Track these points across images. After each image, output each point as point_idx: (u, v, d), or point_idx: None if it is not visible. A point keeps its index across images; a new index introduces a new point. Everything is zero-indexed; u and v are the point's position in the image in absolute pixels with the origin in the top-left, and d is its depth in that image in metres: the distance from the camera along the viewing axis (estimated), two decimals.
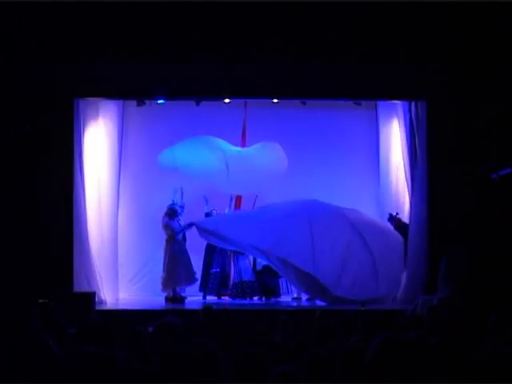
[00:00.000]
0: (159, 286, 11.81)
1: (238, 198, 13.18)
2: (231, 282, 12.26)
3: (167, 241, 11.88)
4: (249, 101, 13.03)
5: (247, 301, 11.98)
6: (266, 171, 12.52)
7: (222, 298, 12.15)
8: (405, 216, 12.02)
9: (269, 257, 11.11)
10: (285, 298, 12.13)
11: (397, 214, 12.11)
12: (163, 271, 11.79)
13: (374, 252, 10.99)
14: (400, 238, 11.42)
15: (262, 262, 11.99)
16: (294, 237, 10.87)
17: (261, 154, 12.61)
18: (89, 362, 3.42)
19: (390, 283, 10.98)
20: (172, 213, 11.92)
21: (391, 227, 11.83)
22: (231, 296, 12.09)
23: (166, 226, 11.83)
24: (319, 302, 11.11)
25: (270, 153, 12.65)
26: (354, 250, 10.98)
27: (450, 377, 3.59)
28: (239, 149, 12.90)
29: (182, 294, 11.81)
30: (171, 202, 12.15)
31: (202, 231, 11.48)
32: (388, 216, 12.19)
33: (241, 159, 12.49)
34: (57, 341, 3.89)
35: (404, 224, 11.82)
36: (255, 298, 12.05)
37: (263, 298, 12.03)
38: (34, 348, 3.66)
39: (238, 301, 11.93)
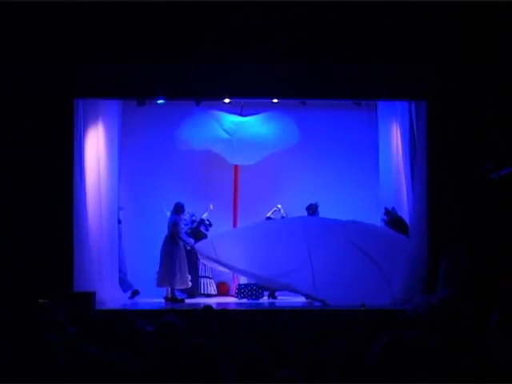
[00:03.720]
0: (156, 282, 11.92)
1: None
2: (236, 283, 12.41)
3: (168, 238, 11.87)
4: (247, 101, 13.09)
5: (248, 301, 12.02)
6: (270, 140, 12.86)
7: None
8: (405, 216, 12.02)
9: (271, 282, 11.33)
10: (285, 298, 12.15)
11: (393, 208, 12.11)
12: (160, 267, 11.83)
13: (377, 261, 11.05)
14: (402, 239, 11.39)
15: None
16: (294, 262, 11.06)
17: (266, 124, 12.98)
18: (89, 362, 3.42)
19: (401, 286, 11.01)
20: (178, 209, 11.93)
21: (391, 232, 11.78)
22: (240, 296, 12.19)
23: (174, 224, 11.81)
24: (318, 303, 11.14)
25: (277, 123, 12.93)
26: (355, 263, 11.05)
27: (450, 377, 3.58)
28: (244, 118, 13.22)
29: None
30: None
31: (203, 256, 11.74)
32: (383, 210, 12.20)
33: (245, 127, 12.98)
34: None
35: (399, 218, 11.84)
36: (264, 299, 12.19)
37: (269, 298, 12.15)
38: (35, 348, 3.66)
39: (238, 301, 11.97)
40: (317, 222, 11.98)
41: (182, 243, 11.90)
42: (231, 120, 13.06)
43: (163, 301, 11.75)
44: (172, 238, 11.82)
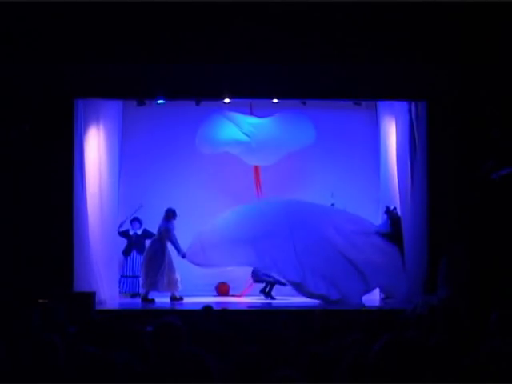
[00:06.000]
0: (159, 288, 11.83)
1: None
2: None
3: (156, 241, 11.83)
4: (253, 101, 13.09)
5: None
6: (288, 140, 12.92)
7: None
8: (405, 216, 12.02)
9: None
10: (285, 299, 12.15)
11: (394, 208, 12.17)
12: (144, 269, 11.79)
13: (362, 251, 11.27)
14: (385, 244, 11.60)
15: None
16: (280, 254, 11.29)
17: (284, 124, 13.02)
18: (89, 362, 3.42)
19: (389, 276, 11.11)
20: (169, 215, 11.88)
21: (372, 225, 12.03)
22: None
23: (166, 230, 11.74)
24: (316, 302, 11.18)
25: (293, 123, 13.01)
26: (342, 255, 11.28)
27: (450, 377, 3.58)
28: (262, 119, 13.22)
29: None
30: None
31: (195, 264, 11.72)
32: (385, 209, 12.27)
33: (263, 129, 12.97)
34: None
35: (398, 219, 11.93)
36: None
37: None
38: (35, 348, 3.66)
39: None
40: (299, 206, 12.16)
41: (168, 246, 11.83)
42: (249, 122, 13.04)
43: (163, 301, 11.73)
44: (160, 242, 11.74)
